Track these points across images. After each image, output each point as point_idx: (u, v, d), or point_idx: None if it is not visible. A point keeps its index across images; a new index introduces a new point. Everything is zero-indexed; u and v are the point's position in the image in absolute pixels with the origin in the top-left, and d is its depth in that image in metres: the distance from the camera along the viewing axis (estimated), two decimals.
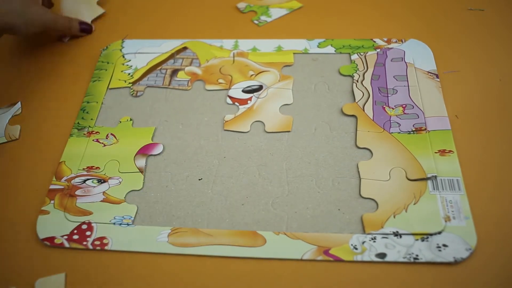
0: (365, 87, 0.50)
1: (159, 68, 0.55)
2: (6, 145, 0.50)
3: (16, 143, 0.50)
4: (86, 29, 0.59)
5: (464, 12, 0.58)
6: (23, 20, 0.51)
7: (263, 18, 0.60)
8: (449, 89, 0.49)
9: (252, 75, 0.53)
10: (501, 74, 0.50)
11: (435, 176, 0.42)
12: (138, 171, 0.46)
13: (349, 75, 0.52)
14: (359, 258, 0.38)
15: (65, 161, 0.47)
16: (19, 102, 0.54)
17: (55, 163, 0.47)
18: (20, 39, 0.61)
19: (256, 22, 0.60)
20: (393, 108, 0.48)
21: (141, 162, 0.46)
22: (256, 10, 0.62)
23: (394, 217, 0.40)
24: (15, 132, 0.51)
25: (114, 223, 0.42)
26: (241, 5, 0.62)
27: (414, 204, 0.40)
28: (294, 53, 0.55)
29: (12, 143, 0.50)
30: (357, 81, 0.51)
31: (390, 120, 0.47)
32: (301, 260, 0.38)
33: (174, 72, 0.55)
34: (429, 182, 0.42)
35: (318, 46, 0.55)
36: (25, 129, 0.51)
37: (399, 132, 0.46)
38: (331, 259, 0.38)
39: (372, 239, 0.39)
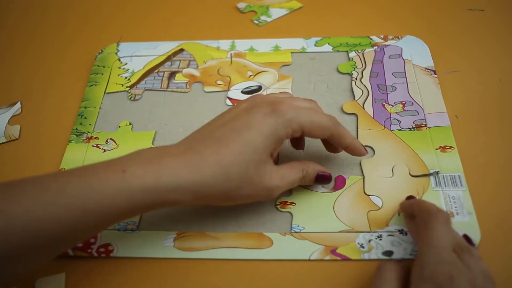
0: (364, 85, 0.50)
1: (156, 70, 0.55)
2: (6, 145, 0.49)
3: (16, 143, 0.49)
4: (324, 178, 0.41)
5: (464, 12, 0.58)
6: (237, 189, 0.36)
7: (263, 18, 0.60)
8: (449, 89, 0.49)
9: (250, 75, 0.53)
10: (501, 74, 0.51)
11: (438, 172, 0.42)
12: None
13: (348, 73, 0.52)
14: (366, 256, 0.38)
15: (65, 168, 0.46)
16: (19, 102, 0.53)
17: (55, 164, 0.46)
18: None
19: (256, 22, 0.60)
20: (392, 105, 0.48)
21: None
22: (256, 10, 0.61)
23: (398, 214, 0.40)
24: (15, 132, 0.50)
25: (118, 229, 0.41)
26: (241, 5, 0.62)
27: None
28: (291, 52, 0.55)
29: (12, 143, 0.49)
30: (356, 78, 0.51)
31: (390, 118, 0.47)
32: (309, 260, 0.38)
33: (172, 74, 0.54)
34: (432, 178, 0.42)
35: (315, 45, 0.55)
36: (25, 129, 0.51)
37: (399, 129, 0.46)
38: (338, 258, 0.38)
39: (378, 237, 0.39)
